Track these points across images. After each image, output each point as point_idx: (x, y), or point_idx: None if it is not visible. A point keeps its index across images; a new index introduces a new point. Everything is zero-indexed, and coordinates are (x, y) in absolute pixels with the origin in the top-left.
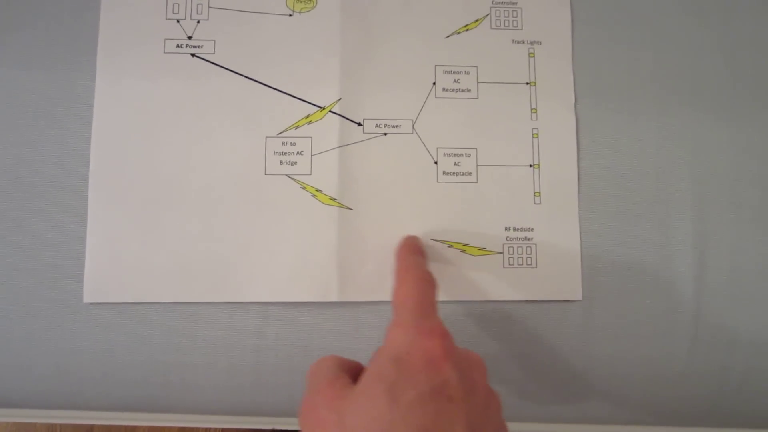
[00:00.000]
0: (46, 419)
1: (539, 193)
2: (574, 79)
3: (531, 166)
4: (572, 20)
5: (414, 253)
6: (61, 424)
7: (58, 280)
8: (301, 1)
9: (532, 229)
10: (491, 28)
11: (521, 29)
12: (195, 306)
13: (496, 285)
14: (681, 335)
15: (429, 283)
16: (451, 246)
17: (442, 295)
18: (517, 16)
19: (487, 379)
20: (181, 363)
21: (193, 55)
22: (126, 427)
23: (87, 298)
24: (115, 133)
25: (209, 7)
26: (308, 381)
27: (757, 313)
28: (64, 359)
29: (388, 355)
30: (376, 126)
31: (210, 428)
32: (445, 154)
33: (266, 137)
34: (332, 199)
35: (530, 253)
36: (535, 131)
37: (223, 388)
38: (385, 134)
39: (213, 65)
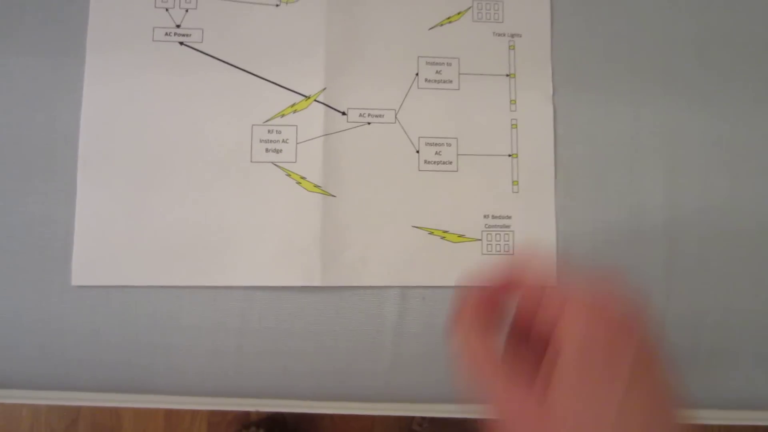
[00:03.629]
0: (31, 400)
1: (517, 182)
2: (553, 71)
3: (510, 155)
4: (551, 14)
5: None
6: (46, 405)
7: (46, 262)
8: None
9: (510, 217)
10: (473, 20)
11: (502, 22)
12: (180, 290)
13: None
14: (650, 317)
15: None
16: (432, 233)
17: (423, 281)
18: (498, 10)
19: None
20: (167, 345)
21: (181, 43)
22: (111, 408)
23: (75, 280)
24: (104, 118)
25: None
26: (472, 376)
27: (723, 297)
28: (51, 340)
29: (575, 352)
30: (360, 115)
31: (197, 410)
32: (426, 144)
33: (252, 125)
34: (316, 186)
35: (508, 240)
36: (514, 122)
37: (207, 370)
38: (369, 123)
39: (201, 54)
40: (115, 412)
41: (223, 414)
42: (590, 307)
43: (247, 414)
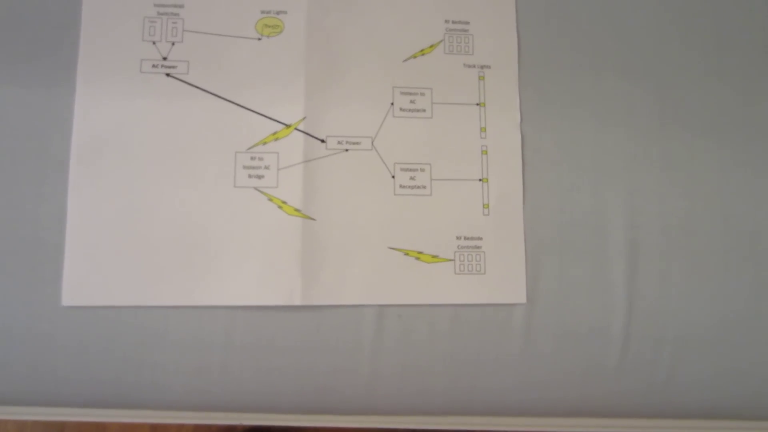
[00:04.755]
0: (19, 416)
1: (488, 204)
2: (520, 100)
3: (480, 180)
4: (519, 47)
5: None
6: (32, 422)
7: (37, 283)
8: (269, 26)
9: (481, 238)
10: (445, 53)
11: (472, 54)
12: (167, 309)
13: (448, 290)
14: (614, 334)
15: None
16: (407, 254)
17: (399, 300)
18: (468, 43)
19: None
20: (153, 362)
21: (168, 74)
22: (97, 424)
23: (65, 301)
24: (93, 146)
25: (183, 30)
26: None
27: (683, 313)
28: (40, 358)
29: None
30: (338, 143)
31: (183, 424)
32: (401, 169)
33: (236, 152)
34: (297, 210)
35: (479, 260)
36: (484, 148)
37: (192, 385)
38: (347, 150)
39: (186, 84)
40: (101, 425)
41: (208, 429)
42: None
43: (232, 429)
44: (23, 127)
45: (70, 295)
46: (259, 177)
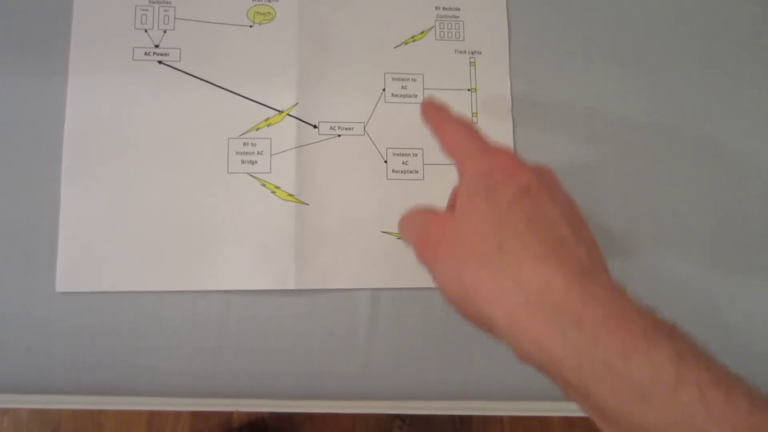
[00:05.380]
0: (15, 404)
1: None
2: (511, 85)
3: None
4: (509, 33)
5: (439, 109)
6: (27, 415)
7: (30, 270)
8: (261, 14)
9: None
10: (436, 39)
11: (463, 40)
12: (161, 294)
13: None
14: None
15: (467, 123)
16: (400, 238)
17: (392, 284)
18: (459, 29)
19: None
20: (148, 347)
21: (160, 62)
22: (93, 416)
23: (59, 287)
24: (86, 133)
25: (175, 18)
26: (407, 227)
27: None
28: (35, 345)
29: (473, 176)
30: (331, 128)
31: (179, 418)
32: (394, 154)
33: (229, 138)
34: (290, 195)
35: None
36: None
37: (188, 370)
38: (339, 136)
39: (179, 72)
40: (97, 421)
41: (205, 420)
42: (489, 152)
43: (229, 420)
44: (16, 116)
45: (64, 282)
46: (252, 162)
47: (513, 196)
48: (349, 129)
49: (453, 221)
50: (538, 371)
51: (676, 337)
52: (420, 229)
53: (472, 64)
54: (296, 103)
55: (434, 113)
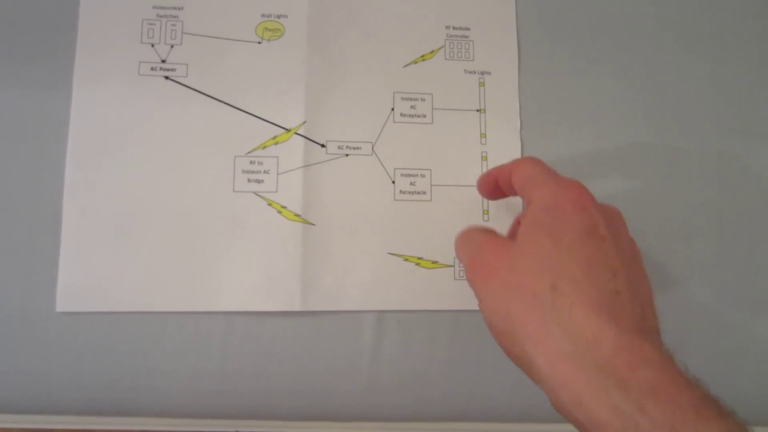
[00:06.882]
0: (13, 424)
1: (488, 211)
2: (520, 106)
3: None
4: (519, 53)
5: (495, 167)
6: (25, 429)
7: (31, 289)
8: (270, 30)
9: None
10: (445, 59)
11: (473, 60)
12: (163, 315)
13: (447, 296)
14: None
15: (537, 159)
16: (407, 260)
17: (398, 306)
18: (469, 49)
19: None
20: (149, 368)
21: (166, 77)
22: (92, 431)
23: (60, 307)
24: (89, 149)
25: (183, 32)
26: (463, 245)
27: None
28: (34, 365)
29: (540, 207)
30: (339, 147)
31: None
32: (401, 175)
33: (235, 156)
34: (296, 215)
35: None
36: (484, 154)
37: (189, 391)
38: (347, 155)
39: (185, 88)
40: None
41: None
42: (560, 182)
43: None
44: (18, 130)
45: (65, 301)
46: (259, 182)
47: (577, 234)
48: (357, 148)
49: (511, 251)
50: (572, 424)
51: (725, 415)
52: (475, 250)
53: (482, 84)
54: (304, 122)
55: (495, 168)
